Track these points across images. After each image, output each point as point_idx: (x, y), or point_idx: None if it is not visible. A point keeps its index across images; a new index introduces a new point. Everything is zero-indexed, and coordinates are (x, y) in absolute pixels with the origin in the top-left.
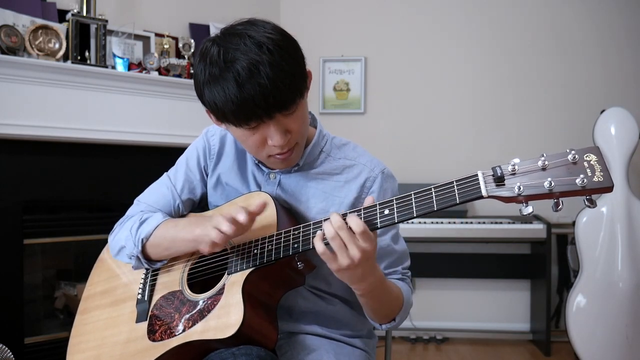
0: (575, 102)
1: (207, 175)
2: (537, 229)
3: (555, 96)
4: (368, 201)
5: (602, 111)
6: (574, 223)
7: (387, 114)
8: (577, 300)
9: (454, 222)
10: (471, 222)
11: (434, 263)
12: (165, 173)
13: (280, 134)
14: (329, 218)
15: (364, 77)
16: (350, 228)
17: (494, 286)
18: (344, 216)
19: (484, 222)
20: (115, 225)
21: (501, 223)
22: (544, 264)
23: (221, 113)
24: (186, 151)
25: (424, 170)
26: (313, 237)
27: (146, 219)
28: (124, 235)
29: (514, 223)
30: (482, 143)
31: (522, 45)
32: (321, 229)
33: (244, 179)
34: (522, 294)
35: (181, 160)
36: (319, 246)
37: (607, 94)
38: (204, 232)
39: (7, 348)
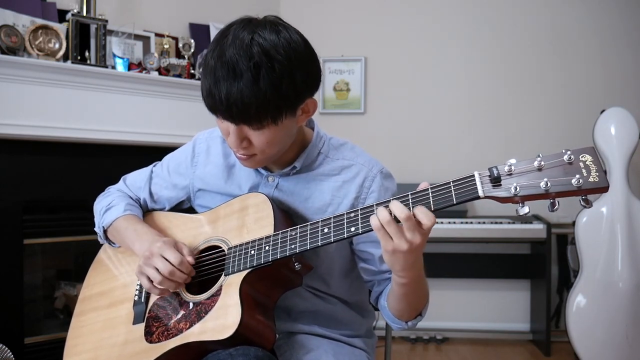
0: (575, 102)
1: (188, 180)
2: (537, 229)
3: (555, 96)
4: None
5: (602, 111)
6: (574, 223)
7: (387, 114)
8: (577, 300)
9: (454, 222)
10: (471, 222)
11: (434, 263)
12: (157, 163)
13: (236, 138)
14: (386, 204)
15: (364, 77)
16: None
17: (494, 286)
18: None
19: (484, 222)
20: (100, 195)
21: (501, 223)
22: (544, 264)
23: (202, 96)
24: (175, 152)
25: (423, 170)
26: (311, 237)
27: (112, 207)
28: (97, 210)
29: (514, 223)
30: (481, 143)
31: (522, 45)
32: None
33: (233, 182)
34: (522, 294)
35: (166, 160)
36: (375, 222)
37: (607, 94)
38: (144, 263)
39: (7, 348)
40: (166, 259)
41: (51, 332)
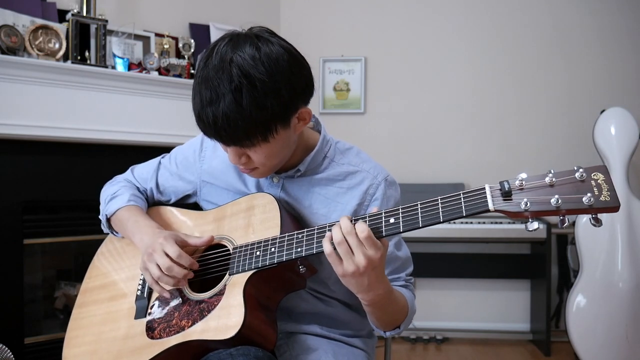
0: (575, 102)
1: (196, 174)
2: (537, 229)
3: (555, 96)
4: (372, 211)
5: (602, 111)
6: (574, 223)
7: (387, 114)
8: (577, 300)
9: (454, 222)
10: (471, 222)
11: (434, 263)
12: (165, 155)
13: (234, 156)
14: (338, 222)
15: (364, 77)
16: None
17: (494, 286)
18: (351, 222)
19: (484, 222)
20: (108, 182)
21: (501, 223)
22: (544, 264)
23: None
24: (183, 145)
25: (423, 171)
26: (318, 241)
27: (117, 196)
28: (103, 198)
29: (514, 223)
30: (482, 143)
31: (523, 45)
32: (329, 232)
33: (240, 178)
34: (522, 294)
35: (174, 153)
36: (327, 247)
37: (607, 94)
38: (147, 259)
39: (7, 348)
40: (166, 254)
41: (51, 332)
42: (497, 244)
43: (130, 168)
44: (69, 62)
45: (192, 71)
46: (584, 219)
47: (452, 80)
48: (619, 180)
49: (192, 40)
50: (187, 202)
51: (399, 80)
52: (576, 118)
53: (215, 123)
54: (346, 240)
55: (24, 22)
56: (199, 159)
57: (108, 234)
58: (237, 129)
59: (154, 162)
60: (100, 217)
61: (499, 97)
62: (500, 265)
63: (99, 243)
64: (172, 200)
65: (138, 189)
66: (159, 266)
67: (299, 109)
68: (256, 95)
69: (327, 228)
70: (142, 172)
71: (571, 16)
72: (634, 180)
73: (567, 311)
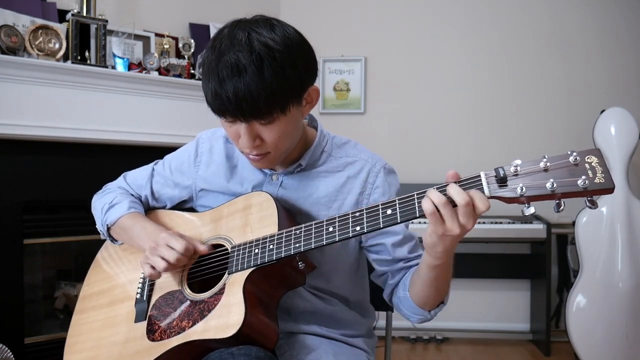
0: (575, 102)
1: (191, 180)
2: (537, 229)
3: (555, 96)
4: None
5: (602, 111)
6: (574, 223)
7: (387, 114)
8: (577, 300)
9: None
10: None
11: None
12: (158, 161)
13: (248, 138)
14: (442, 189)
15: (364, 77)
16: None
17: (494, 286)
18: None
19: (484, 222)
20: (98, 193)
21: (501, 223)
22: (544, 264)
23: (207, 102)
24: (177, 152)
25: (424, 171)
26: (316, 236)
27: (115, 204)
28: (98, 208)
29: (514, 223)
30: (482, 143)
31: (523, 45)
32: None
33: (236, 181)
34: (522, 294)
35: (168, 159)
36: (428, 206)
37: (607, 94)
38: (150, 253)
39: (7, 348)
40: (172, 247)
41: (51, 332)
42: (497, 244)
43: (122, 175)
44: (69, 62)
45: (192, 71)
46: (584, 219)
47: (452, 80)
48: (619, 180)
49: (192, 40)
50: (183, 207)
51: (399, 80)
52: (576, 118)
53: (237, 96)
54: (454, 205)
55: (24, 22)
56: (195, 164)
57: None
58: (259, 100)
59: (147, 168)
60: (98, 227)
61: (498, 97)
62: (500, 265)
63: (98, 243)
64: (168, 207)
65: (132, 195)
66: (164, 258)
67: (309, 87)
68: (276, 66)
69: (325, 224)
70: (136, 179)
71: (571, 16)
72: (634, 180)
73: (567, 311)
